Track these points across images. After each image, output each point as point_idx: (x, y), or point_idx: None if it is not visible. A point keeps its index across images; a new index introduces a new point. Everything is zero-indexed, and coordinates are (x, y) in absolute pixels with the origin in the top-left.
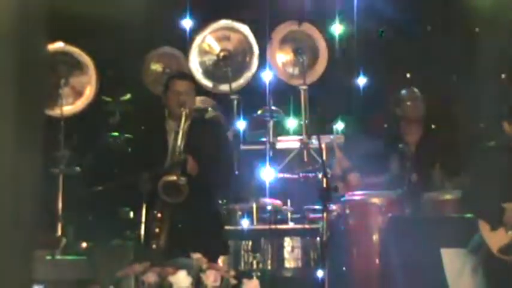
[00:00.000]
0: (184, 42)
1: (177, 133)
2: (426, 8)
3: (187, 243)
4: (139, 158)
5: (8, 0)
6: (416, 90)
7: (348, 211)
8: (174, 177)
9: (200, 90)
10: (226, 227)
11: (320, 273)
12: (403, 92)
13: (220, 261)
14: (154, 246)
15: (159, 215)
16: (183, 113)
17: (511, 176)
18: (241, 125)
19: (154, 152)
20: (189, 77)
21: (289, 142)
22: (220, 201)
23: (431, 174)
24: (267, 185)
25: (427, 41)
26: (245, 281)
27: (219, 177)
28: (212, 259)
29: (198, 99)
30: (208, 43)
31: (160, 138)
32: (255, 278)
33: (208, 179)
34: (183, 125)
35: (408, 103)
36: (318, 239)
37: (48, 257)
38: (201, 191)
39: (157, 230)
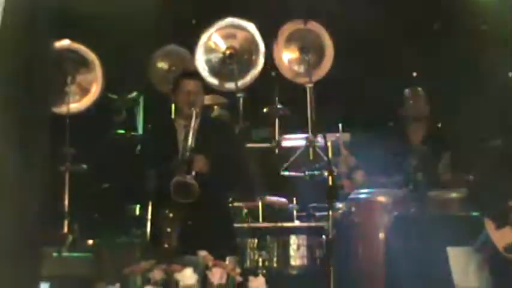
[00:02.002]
0: (190, 40)
1: (187, 132)
2: (432, 6)
3: (197, 242)
4: (149, 157)
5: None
6: (419, 89)
7: (353, 209)
8: (185, 177)
9: (208, 88)
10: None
11: (325, 271)
12: (407, 91)
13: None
14: (166, 245)
15: (170, 214)
16: (193, 113)
17: None
18: (247, 122)
19: (164, 151)
20: (198, 75)
21: (295, 140)
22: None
23: (437, 166)
24: (273, 183)
25: (433, 39)
26: (251, 278)
27: (228, 176)
28: (220, 258)
29: (208, 96)
30: (214, 41)
31: (171, 137)
32: (260, 275)
33: (218, 178)
34: (194, 124)
35: (411, 102)
36: (324, 237)
37: (55, 254)
38: (211, 189)
39: (168, 229)
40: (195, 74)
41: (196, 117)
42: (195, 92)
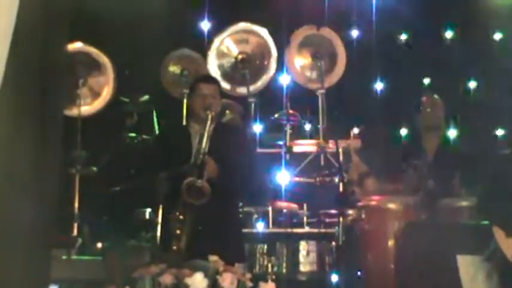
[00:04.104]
0: (202, 45)
1: (202, 136)
2: (445, 13)
3: (206, 246)
4: (161, 160)
5: (31, 2)
6: (436, 96)
7: (364, 216)
8: (195, 179)
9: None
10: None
11: (335, 278)
12: (424, 98)
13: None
14: (174, 247)
15: (180, 216)
16: (209, 116)
17: None
18: (257, 128)
19: (177, 155)
20: (215, 80)
21: (306, 146)
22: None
23: (449, 182)
24: (283, 188)
25: (445, 46)
26: (262, 284)
27: (239, 180)
28: (230, 263)
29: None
30: (226, 46)
31: (184, 141)
32: (270, 281)
33: (229, 182)
34: (209, 127)
35: (428, 110)
36: (334, 243)
37: (64, 257)
38: (222, 194)
39: (178, 231)
40: (212, 78)
41: (212, 121)
42: (210, 95)
